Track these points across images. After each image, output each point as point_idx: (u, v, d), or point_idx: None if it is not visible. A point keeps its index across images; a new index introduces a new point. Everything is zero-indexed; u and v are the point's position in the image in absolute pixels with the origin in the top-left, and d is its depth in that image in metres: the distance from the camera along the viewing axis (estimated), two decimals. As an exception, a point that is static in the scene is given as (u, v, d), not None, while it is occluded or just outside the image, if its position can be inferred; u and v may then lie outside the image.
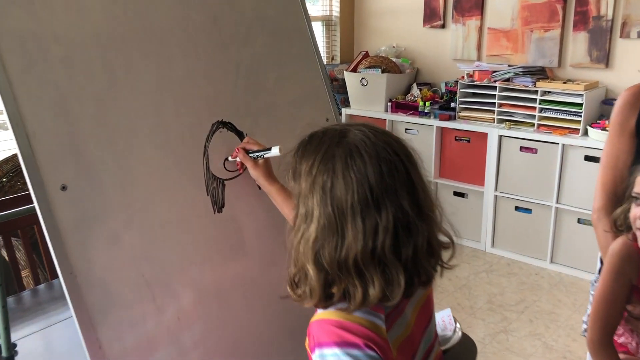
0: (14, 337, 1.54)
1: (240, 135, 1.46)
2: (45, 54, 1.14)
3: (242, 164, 1.42)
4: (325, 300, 0.87)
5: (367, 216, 0.84)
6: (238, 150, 1.40)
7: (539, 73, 3.62)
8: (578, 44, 3.52)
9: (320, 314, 0.91)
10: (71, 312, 1.11)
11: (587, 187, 3.26)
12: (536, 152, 3.44)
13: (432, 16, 4.12)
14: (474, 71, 3.75)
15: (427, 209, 0.92)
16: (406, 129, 3.94)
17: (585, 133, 3.31)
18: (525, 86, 3.50)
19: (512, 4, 3.72)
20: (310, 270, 0.86)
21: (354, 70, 4.17)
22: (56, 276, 1.31)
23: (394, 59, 4.15)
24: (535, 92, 3.44)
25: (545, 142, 3.39)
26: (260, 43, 1.54)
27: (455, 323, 1.46)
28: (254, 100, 1.50)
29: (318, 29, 4.47)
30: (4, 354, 1.45)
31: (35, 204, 1.08)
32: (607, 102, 3.46)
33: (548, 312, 3.10)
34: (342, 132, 0.91)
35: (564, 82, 3.44)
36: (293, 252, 0.90)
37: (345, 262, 0.84)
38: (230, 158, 1.42)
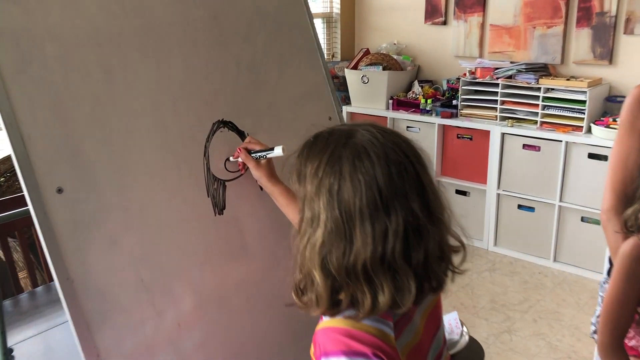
0: (10, 341, 1.51)
1: (242, 134, 1.43)
2: (40, 52, 1.11)
3: (243, 164, 1.38)
4: (333, 308, 0.84)
5: (376, 220, 0.81)
6: (240, 150, 1.37)
7: (542, 70, 3.59)
8: (581, 40, 3.49)
9: (327, 321, 0.87)
10: (67, 318, 1.08)
11: (590, 185, 3.24)
12: (539, 150, 3.41)
13: (433, 13, 4.09)
14: (476, 68, 3.73)
15: (438, 212, 0.88)
16: (407, 127, 3.91)
17: (589, 130, 3.28)
18: (528, 83, 3.47)
19: (515, 0, 3.68)
20: (317, 276, 0.82)
21: (355, 67, 4.14)
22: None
23: (395, 56, 4.12)
24: (538, 89, 3.41)
25: (548, 140, 3.37)
26: (261, 40, 1.50)
27: (462, 327, 1.43)
28: (255, 98, 1.47)
29: (318, 25, 4.44)
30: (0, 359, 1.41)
31: (30, 208, 1.04)
32: (611, 99, 3.43)
33: (552, 311, 3.07)
34: (349, 133, 0.87)
35: (567, 79, 3.41)
36: (299, 258, 0.86)
37: (353, 268, 0.81)
38: (231, 158, 1.39)
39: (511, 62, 3.66)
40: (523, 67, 3.55)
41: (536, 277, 3.42)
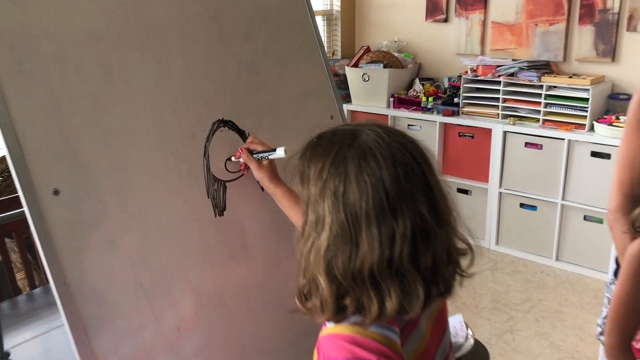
0: (7, 344, 1.49)
1: (242, 134, 1.40)
2: (36, 50, 1.08)
3: (245, 164, 1.35)
4: (338, 314, 0.81)
5: (383, 223, 0.78)
6: (241, 150, 1.34)
7: (544, 67, 3.56)
8: (584, 37, 3.46)
9: (331, 328, 0.85)
10: (64, 322, 1.05)
11: (593, 184, 3.22)
12: (541, 148, 3.39)
13: (434, 10, 4.06)
14: (477, 66, 3.70)
15: (445, 214, 0.86)
16: (408, 125, 3.88)
17: (592, 128, 3.26)
18: (530, 81, 3.44)
19: (517, -3, 3.66)
20: (322, 281, 0.80)
21: (355, 65, 4.11)
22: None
23: (396, 54, 4.09)
24: (540, 86, 3.39)
25: (550, 138, 3.34)
26: (262, 38, 1.47)
27: (467, 329, 1.41)
28: (255, 97, 1.44)
29: (319, 23, 4.40)
30: (-3, 363, 1.39)
31: (26, 210, 1.02)
32: (614, 96, 3.40)
33: (555, 311, 3.05)
34: (353, 133, 0.85)
35: (570, 77, 3.39)
36: (302, 262, 0.83)
37: (360, 272, 0.78)
38: (233, 158, 1.36)
39: (513, 60, 3.63)
40: (525, 64, 3.52)
41: (538, 277, 3.40)
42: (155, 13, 1.27)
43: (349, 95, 4.15)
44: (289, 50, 1.55)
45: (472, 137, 3.68)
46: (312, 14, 1.62)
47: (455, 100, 3.75)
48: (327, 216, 0.80)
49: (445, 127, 3.76)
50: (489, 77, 3.60)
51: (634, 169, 1.49)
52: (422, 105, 3.83)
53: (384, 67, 3.96)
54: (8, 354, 1.44)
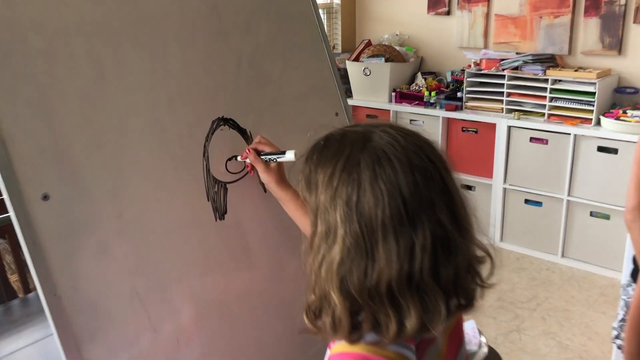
0: (0, 352, 1.42)
1: (244, 133, 1.33)
2: (22, 44, 1.01)
3: (252, 165, 1.28)
4: (353, 333, 0.74)
5: (401, 234, 0.71)
6: (249, 150, 1.27)
7: (549, 61, 3.51)
8: (589, 30, 3.40)
9: (341, 346, 0.78)
10: (54, 334, 0.99)
11: (600, 179, 3.18)
12: (547, 143, 3.34)
13: (436, 2, 3.99)
14: (481, 59, 3.65)
15: (466, 222, 0.79)
16: (411, 120, 3.83)
17: (598, 123, 3.21)
18: (534, 74, 3.39)
19: (521, -11, 3.59)
20: (335, 298, 0.73)
21: (356, 59, 4.05)
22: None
23: (397, 48, 4.03)
24: (546, 80, 3.34)
25: (556, 133, 3.29)
26: (264, 31, 1.40)
27: (480, 336, 1.34)
28: (257, 94, 1.37)
29: (318, 16, 4.33)
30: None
31: (13, 217, 0.95)
32: (620, 90, 3.35)
33: (561, 309, 3.00)
34: (365, 135, 0.78)
35: (575, 70, 3.33)
36: (313, 277, 0.76)
37: (376, 288, 0.71)
38: (239, 158, 1.29)
39: (517, 53, 3.57)
40: (529, 58, 3.46)
41: (544, 274, 3.35)
42: (150, 4, 1.20)
43: (350, 90, 4.08)
44: (291, 44, 1.48)
45: (476, 132, 3.62)
46: (316, 5, 1.55)
47: (459, 94, 3.70)
48: (339, 227, 0.73)
49: (449, 122, 3.71)
50: (492, 71, 3.55)
51: (653, 166, 1.43)
52: (424, 99, 3.77)
53: (386, 61, 3.90)
54: (-1, 365, 1.38)
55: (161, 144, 1.18)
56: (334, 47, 4.45)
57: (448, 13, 3.97)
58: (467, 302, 0.80)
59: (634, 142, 3.02)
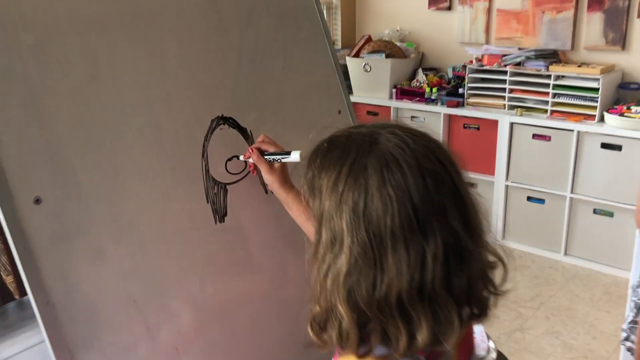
0: (-7, 359, 1.39)
1: (244, 132, 1.30)
2: (13, 41, 0.98)
3: (255, 165, 1.24)
4: (361, 347, 0.70)
5: (412, 243, 0.67)
6: (252, 150, 1.23)
7: (552, 56, 3.48)
8: (593, 25, 3.36)
9: (347, 357, 0.74)
10: (46, 343, 0.95)
11: (603, 176, 3.16)
12: (550, 140, 3.31)
13: (437, -3, 3.95)
14: (482, 55, 3.61)
15: (478, 228, 0.75)
16: (412, 117, 3.80)
17: (602, 119, 3.18)
18: (537, 70, 3.36)
19: (523, -16, 3.55)
20: (342, 310, 0.69)
21: (356, 55, 4.01)
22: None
23: (398, 43, 4.00)
24: (548, 76, 3.30)
25: (559, 129, 3.26)
26: (264, 26, 1.37)
27: (488, 341, 1.30)
28: (258, 91, 1.34)
29: (317, 12, 4.29)
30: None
31: (3, 222, 0.91)
32: (624, 86, 3.31)
33: (565, 308, 2.97)
34: (371, 137, 0.73)
35: (579, 66, 3.30)
36: (317, 288, 0.72)
37: (386, 300, 0.67)
38: (241, 157, 1.26)
39: (519, 49, 3.54)
40: (532, 53, 3.43)
41: (547, 272, 3.32)
42: (146, -1, 1.16)
43: (350, 86, 4.05)
44: (293, 40, 1.44)
45: (478, 128, 3.59)
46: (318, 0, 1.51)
47: (460, 90, 3.66)
48: (345, 236, 0.68)
49: (450, 118, 3.68)
50: (494, 67, 3.51)
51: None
52: (425, 96, 3.74)
53: (386, 57, 3.86)
54: (-7, 371, 1.34)
55: (158, 144, 1.15)
56: (333, 43, 4.41)
57: (449, 8, 3.93)
58: (480, 312, 0.77)
59: (638, 139, 3.00)
